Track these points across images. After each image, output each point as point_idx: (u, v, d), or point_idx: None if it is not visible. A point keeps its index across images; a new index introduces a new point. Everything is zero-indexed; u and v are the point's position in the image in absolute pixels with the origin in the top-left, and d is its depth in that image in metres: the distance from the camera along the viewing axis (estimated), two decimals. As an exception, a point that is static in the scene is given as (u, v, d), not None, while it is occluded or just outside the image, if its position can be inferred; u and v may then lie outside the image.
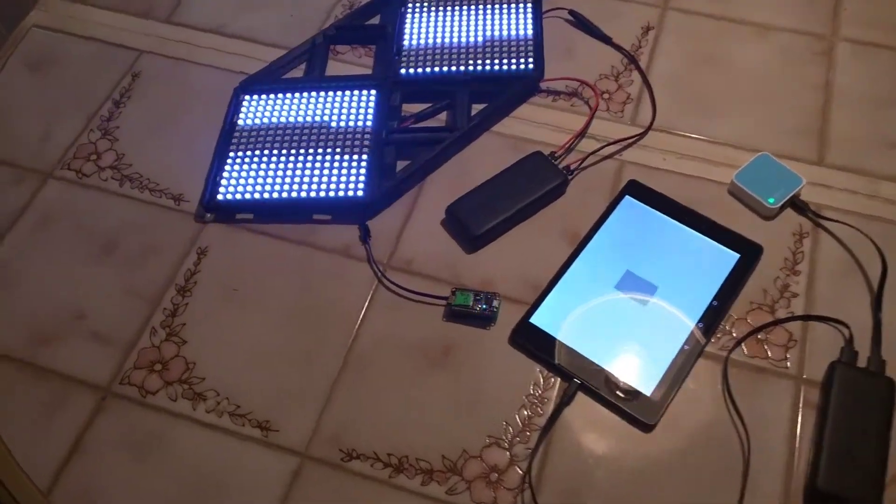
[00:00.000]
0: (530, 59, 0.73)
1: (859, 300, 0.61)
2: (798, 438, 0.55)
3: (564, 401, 0.57)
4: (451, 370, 0.59)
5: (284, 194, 0.67)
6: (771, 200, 0.65)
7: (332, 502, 0.55)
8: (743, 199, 0.66)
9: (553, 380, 0.59)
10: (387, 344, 0.61)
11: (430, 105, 0.73)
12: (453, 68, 0.73)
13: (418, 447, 0.56)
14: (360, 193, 0.66)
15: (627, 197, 0.66)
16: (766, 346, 0.59)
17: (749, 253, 0.63)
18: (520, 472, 0.55)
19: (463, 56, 0.74)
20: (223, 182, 0.68)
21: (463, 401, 0.58)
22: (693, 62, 0.76)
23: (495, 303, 0.61)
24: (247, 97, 0.73)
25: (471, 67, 0.73)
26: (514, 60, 0.73)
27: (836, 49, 0.76)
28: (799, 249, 0.64)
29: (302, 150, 0.69)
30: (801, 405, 0.57)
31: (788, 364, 0.58)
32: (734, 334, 0.60)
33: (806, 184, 0.65)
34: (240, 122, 0.71)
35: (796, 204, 0.65)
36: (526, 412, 0.57)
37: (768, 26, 0.77)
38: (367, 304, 0.62)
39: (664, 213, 0.65)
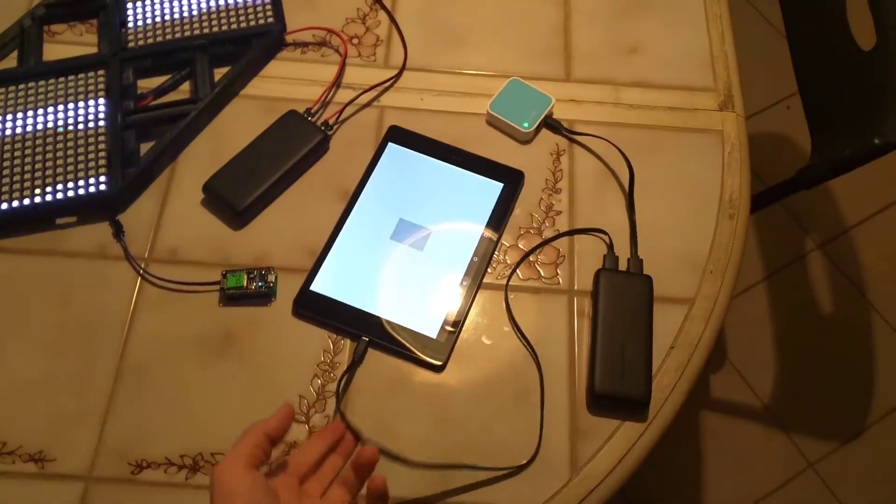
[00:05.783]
0: (269, 12, 0.69)
1: (616, 207, 0.65)
2: (577, 348, 0.59)
3: (355, 360, 0.57)
4: (236, 356, 0.57)
5: (16, 202, 0.60)
6: (525, 124, 0.66)
7: (130, 519, 0.52)
8: (500, 127, 0.67)
9: (343, 342, 0.58)
10: (162, 344, 0.57)
11: (168, 77, 0.67)
12: (187, 33, 0.68)
13: (213, 442, 0.54)
14: (102, 187, 0.61)
15: (390, 144, 0.66)
16: (538, 267, 0.62)
17: (511, 180, 0.64)
18: (321, 441, 0.54)
19: (196, 18, 0.68)
20: (-61, 201, 0.59)
21: (253, 384, 0.56)
22: (438, -7, 0.75)
23: (271, 277, 0.59)
24: (-50, 98, 0.64)
25: (206, 29, 0.68)
26: (251, 15, 0.69)
27: (571, -37, 0.77)
28: (558, 168, 0.66)
29: (29, 150, 0.62)
30: (575, 316, 0.60)
31: (560, 280, 0.61)
32: (508, 262, 0.62)
33: (556, 102, 0.68)
34: (-54, 128, 0.62)
35: (550, 123, 0.68)
36: (319, 381, 0.57)
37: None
38: (133, 305, 0.58)
39: (427, 155, 0.65)
